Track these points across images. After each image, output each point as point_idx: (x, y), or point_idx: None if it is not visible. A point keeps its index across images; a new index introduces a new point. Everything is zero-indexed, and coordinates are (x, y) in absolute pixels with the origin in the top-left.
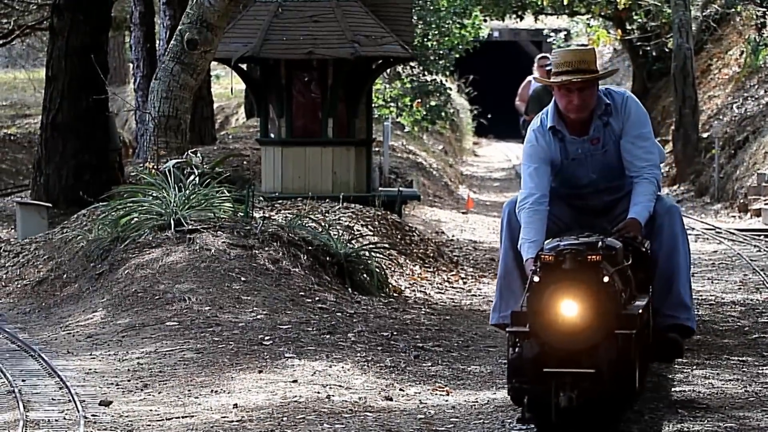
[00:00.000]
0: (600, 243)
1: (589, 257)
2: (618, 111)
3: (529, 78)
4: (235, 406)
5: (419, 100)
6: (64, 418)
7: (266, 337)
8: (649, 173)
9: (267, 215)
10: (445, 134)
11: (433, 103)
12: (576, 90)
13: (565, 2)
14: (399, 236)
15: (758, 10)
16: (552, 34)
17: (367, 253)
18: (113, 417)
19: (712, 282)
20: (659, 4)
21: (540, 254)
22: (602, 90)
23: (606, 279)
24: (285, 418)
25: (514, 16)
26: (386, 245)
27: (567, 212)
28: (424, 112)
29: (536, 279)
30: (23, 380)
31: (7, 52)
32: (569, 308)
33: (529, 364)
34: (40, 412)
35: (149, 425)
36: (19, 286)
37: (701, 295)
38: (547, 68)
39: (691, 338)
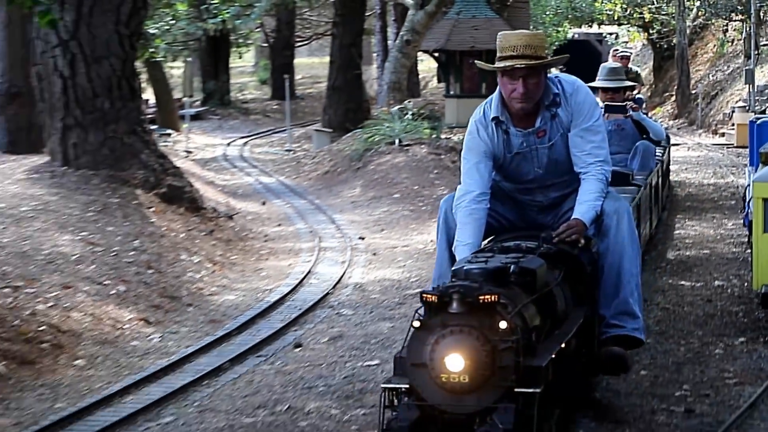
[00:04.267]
0: (513, 267)
1: (482, 298)
2: (567, 101)
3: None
4: (431, 241)
5: None
6: (339, 245)
7: None
8: (597, 170)
9: (448, 137)
10: None
11: None
12: (520, 77)
13: (616, 17)
14: None
15: (724, 22)
16: (607, 35)
17: None
18: (365, 245)
19: (696, 173)
20: (668, 18)
21: (422, 294)
22: (552, 78)
23: (504, 324)
24: None
25: (586, 24)
26: None
27: (511, 209)
28: None
29: (416, 324)
30: (318, 225)
31: (308, 48)
32: (456, 363)
33: (407, 431)
34: (326, 242)
35: (384, 250)
36: (314, 175)
37: (690, 181)
38: (617, 54)
39: (641, 345)
